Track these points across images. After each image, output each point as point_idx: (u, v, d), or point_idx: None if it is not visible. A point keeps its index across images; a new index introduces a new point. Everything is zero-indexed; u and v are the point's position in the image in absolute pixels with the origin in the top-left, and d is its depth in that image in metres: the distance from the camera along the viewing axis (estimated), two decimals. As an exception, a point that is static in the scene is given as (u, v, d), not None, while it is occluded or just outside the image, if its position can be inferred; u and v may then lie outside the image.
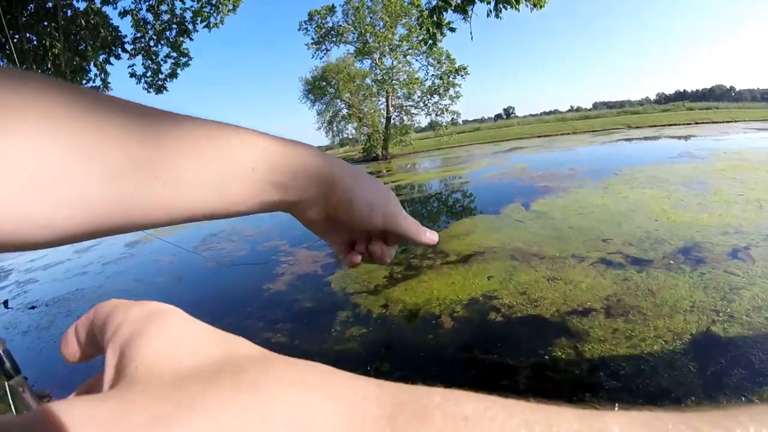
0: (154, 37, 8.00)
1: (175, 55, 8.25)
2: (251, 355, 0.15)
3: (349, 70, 28.26)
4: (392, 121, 28.47)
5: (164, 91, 8.50)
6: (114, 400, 0.13)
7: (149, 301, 0.18)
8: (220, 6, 7.95)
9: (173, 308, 0.18)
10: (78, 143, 0.22)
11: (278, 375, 0.14)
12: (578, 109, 70.62)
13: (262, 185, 0.31)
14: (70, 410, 0.12)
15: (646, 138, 17.75)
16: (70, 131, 0.22)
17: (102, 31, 7.22)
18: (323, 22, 27.81)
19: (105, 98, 0.25)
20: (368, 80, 28.50)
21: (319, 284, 4.94)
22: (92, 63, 7.58)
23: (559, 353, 2.82)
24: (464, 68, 26.19)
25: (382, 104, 28.94)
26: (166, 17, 7.86)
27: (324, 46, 28.33)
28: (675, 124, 23.75)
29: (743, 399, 2.21)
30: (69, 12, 6.79)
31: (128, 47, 7.94)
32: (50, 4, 6.40)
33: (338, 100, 29.99)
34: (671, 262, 4.02)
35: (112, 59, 7.83)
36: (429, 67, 27.34)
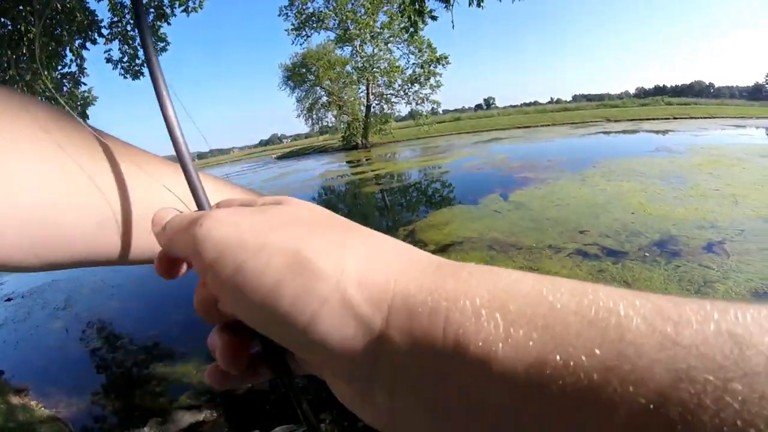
0: (131, 22, 7.59)
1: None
2: (344, 220, 0.24)
3: (329, 57, 27.71)
4: (372, 109, 28.02)
5: (141, 77, 8.16)
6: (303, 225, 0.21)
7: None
8: (199, -11, 7.59)
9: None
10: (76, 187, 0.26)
11: (364, 229, 0.23)
12: (558, 101, 70.44)
13: None
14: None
15: (624, 131, 17.86)
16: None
17: (78, 15, 6.81)
18: (304, 7, 26.98)
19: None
20: (349, 67, 27.97)
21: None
22: (68, 48, 7.17)
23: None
24: (445, 57, 25.74)
25: (362, 92, 28.46)
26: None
27: (304, 32, 27.52)
28: (654, 119, 23.84)
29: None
30: (44, -5, 6.34)
31: (105, 32, 7.57)
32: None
33: (318, 88, 29.49)
34: (647, 254, 3.99)
35: (88, 44, 7.42)
36: (410, 56, 26.77)
